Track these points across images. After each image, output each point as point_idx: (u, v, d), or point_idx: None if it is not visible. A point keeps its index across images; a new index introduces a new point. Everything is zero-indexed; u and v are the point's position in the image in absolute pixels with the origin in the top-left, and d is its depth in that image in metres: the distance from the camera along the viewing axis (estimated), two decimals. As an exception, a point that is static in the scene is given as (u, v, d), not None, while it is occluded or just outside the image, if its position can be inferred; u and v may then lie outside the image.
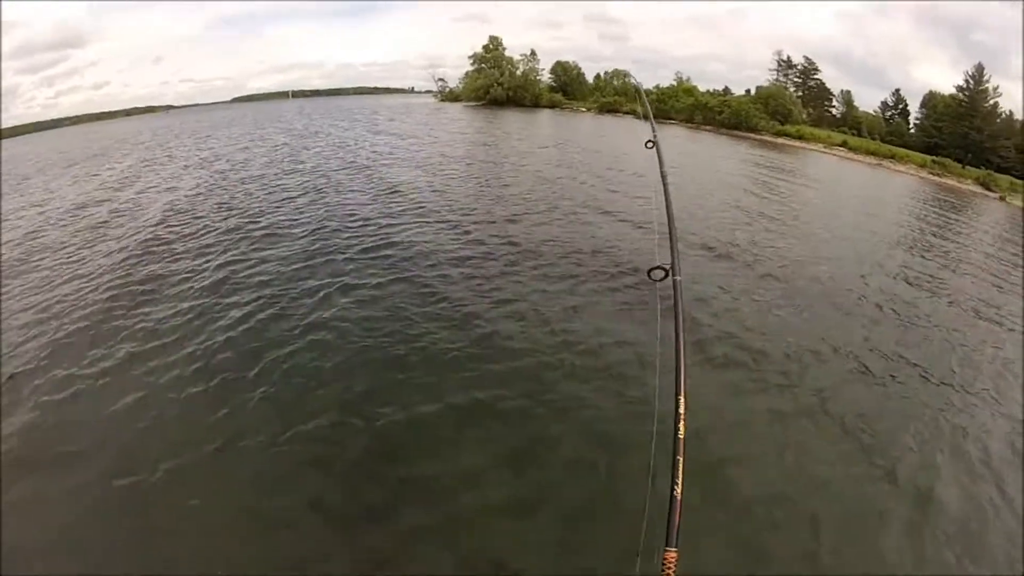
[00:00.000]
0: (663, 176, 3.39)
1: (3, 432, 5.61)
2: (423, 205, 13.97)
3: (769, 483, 5.26)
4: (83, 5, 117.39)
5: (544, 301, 8.56)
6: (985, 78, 48.64)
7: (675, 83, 60.30)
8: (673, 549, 1.46)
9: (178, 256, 10.65)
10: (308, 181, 17.25)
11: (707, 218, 14.81)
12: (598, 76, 69.22)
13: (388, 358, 6.83)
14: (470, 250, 10.66)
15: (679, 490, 1.57)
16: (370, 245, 10.78)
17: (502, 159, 22.52)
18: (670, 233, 2.69)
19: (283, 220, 12.77)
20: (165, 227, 12.66)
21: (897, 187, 32.68)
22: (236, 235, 11.67)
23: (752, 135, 47.84)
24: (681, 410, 1.78)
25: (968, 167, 42.58)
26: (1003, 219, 27.59)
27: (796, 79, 61.48)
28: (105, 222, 13.74)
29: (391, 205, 14.01)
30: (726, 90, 60.67)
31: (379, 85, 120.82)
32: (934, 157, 43.91)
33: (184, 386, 6.30)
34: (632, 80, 65.46)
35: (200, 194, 16.04)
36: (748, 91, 58.78)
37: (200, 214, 13.69)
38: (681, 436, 1.71)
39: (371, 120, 40.76)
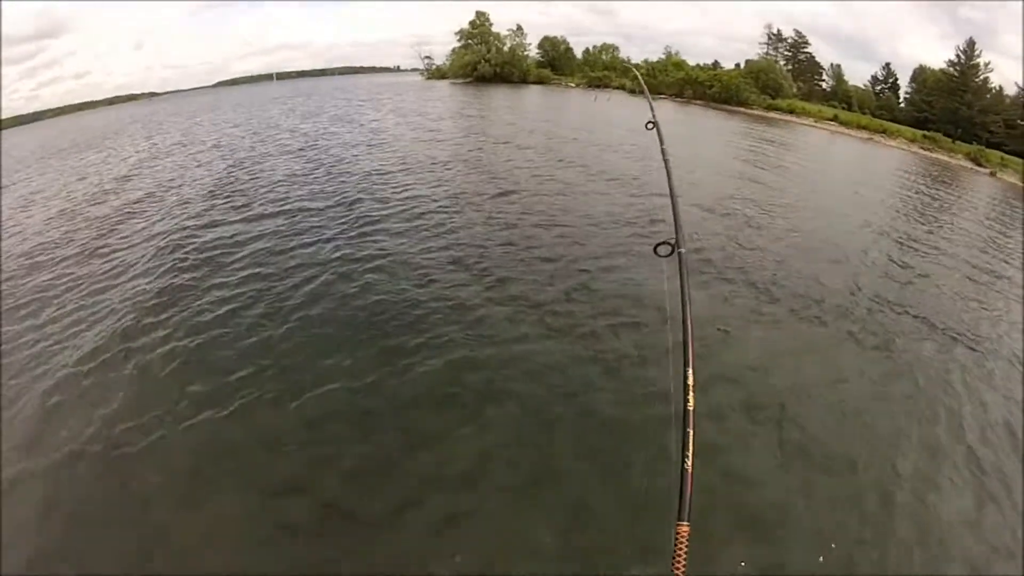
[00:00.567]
0: (664, 154, 3.53)
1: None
2: (412, 191, 13.37)
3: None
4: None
5: (553, 279, 8.34)
6: (976, 53, 48.68)
7: (664, 57, 59.73)
8: (685, 523, 1.43)
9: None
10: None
11: (706, 192, 14.51)
12: (587, 51, 68.19)
13: (386, 341, 6.61)
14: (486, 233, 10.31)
15: (690, 463, 1.54)
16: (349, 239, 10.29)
17: (504, 142, 21.53)
18: (673, 209, 2.74)
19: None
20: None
21: (890, 161, 32.40)
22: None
23: (743, 109, 47.41)
24: (690, 382, 1.76)
25: (958, 142, 42.44)
26: (996, 193, 27.75)
27: (786, 53, 60.98)
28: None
29: (381, 186, 13.52)
30: (716, 64, 60.15)
31: (365, 64, 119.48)
32: (924, 132, 43.83)
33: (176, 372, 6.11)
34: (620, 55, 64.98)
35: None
36: (738, 65, 58.27)
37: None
38: (691, 408, 1.68)
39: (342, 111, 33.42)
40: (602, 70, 60.05)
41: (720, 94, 48.95)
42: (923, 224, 15.65)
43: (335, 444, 4.98)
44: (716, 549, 4.05)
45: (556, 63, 66.04)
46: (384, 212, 11.27)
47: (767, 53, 60.73)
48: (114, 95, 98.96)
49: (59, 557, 4.06)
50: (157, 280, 8.48)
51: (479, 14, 62.57)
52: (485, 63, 59.74)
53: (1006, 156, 39.65)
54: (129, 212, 12.62)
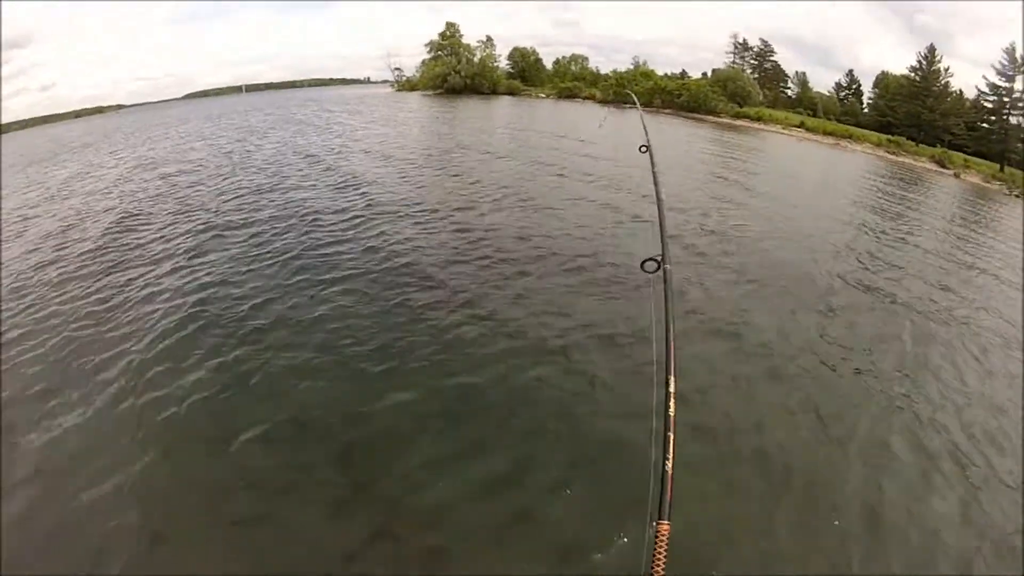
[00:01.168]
0: (655, 177, 3.79)
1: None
2: (379, 201, 12.91)
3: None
4: (25, 5, 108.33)
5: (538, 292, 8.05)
6: (937, 59, 49.88)
7: (632, 67, 60.22)
8: (666, 522, 1.46)
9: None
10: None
11: (685, 200, 14.37)
12: (557, 61, 68.59)
13: (370, 351, 6.37)
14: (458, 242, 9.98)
15: (670, 464, 1.60)
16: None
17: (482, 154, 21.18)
18: (660, 228, 2.90)
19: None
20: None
21: (857, 165, 32.76)
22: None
23: (711, 117, 47.68)
24: (671, 389, 1.85)
25: (921, 145, 43.24)
26: (960, 193, 28.59)
27: (752, 61, 61.93)
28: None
29: (353, 200, 12.99)
30: (683, 73, 60.95)
31: (335, 76, 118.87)
32: (889, 136, 44.51)
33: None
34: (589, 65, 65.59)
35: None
36: (705, 74, 59.09)
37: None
38: (672, 414, 1.75)
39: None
40: (572, 80, 60.22)
41: (689, 103, 49.27)
42: (893, 222, 15.98)
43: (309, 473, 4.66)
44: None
45: (526, 74, 65.97)
46: (345, 230, 10.66)
47: (734, 62, 61.54)
48: (81, 107, 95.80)
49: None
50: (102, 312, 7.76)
51: (449, 25, 62.50)
52: (455, 74, 59.28)
53: (969, 158, 40.66)
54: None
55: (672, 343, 2.04)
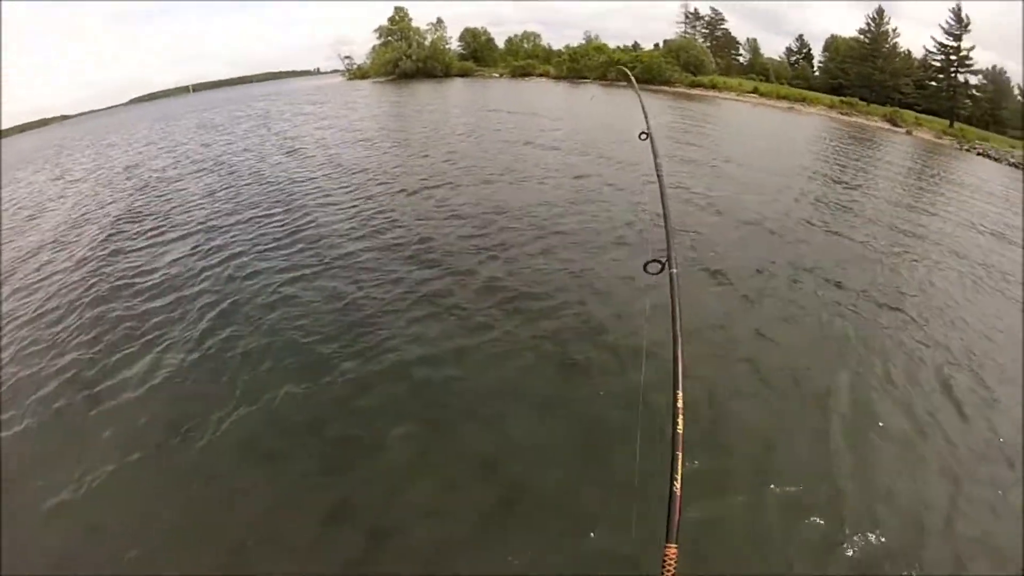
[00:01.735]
0: (657, 168, 3.26)
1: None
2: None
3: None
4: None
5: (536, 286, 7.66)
6: (885, 20, 50.60)
7: (584, 42, 59.63)
8: (673, 545, 1.35)
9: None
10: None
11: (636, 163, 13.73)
12: (509, 40, 67.50)
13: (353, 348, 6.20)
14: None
15: (679, 485, 1.45)
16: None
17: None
18: (665, 226, 2.52)
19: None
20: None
21: (812, 127, 32.84)
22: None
23: (666, 87, 47.44)
24: (679, 404, 1.66)
25: (873, 104, 43.79)
26: (914, 149, 29.10)
27: (704, 30, 62.01)
28: None
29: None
30: (636, 45, 60.63)
31: (285, 69, 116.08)
32: (841, 98, 45.01)
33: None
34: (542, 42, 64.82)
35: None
36: (657, 45, 58.79)
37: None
38: (680, 431, 1.58)
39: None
40: (525, 59, 59.44)
41: (643, 74, 48.99)
42: (852, 178, 16.28)
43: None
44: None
45: (479, 54, 65.00)
46: (310, 225, 10.31)
47: (685, 32, 61.47)
48: (24, 121, 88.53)
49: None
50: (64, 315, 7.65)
51: (398, 10, 60.90)
52: (407, 59, 57.90)
53: (919, 115, 41.44)
54: None
55: (680, 354, 1.83)
